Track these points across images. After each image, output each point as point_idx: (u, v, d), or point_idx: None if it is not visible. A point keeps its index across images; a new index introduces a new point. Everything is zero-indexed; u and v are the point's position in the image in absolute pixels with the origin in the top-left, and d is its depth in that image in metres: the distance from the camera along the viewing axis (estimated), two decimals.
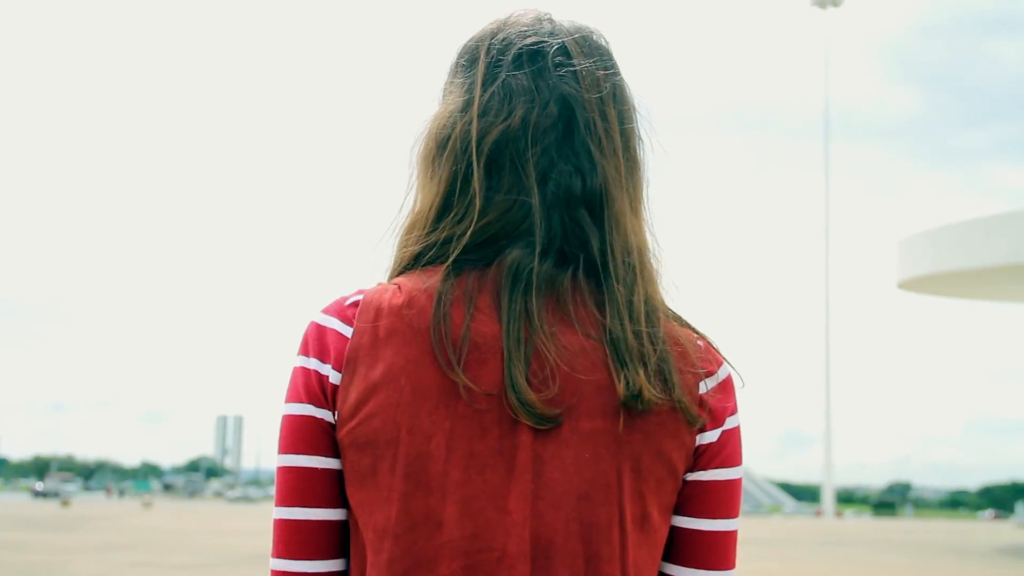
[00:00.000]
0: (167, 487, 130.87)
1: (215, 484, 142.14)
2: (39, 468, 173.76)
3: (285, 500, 1.11)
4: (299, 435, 1.11)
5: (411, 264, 1.17)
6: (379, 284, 1.16)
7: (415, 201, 1.20)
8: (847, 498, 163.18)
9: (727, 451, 1.14)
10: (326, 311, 1.14)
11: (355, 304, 1.13)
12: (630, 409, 1.07)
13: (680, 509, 1.14)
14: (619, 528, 1.07)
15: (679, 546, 1.15)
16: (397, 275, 1.18)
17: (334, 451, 1.10)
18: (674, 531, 1.15)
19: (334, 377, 1.10)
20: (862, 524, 65.40)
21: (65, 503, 64.84)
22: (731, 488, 1.16)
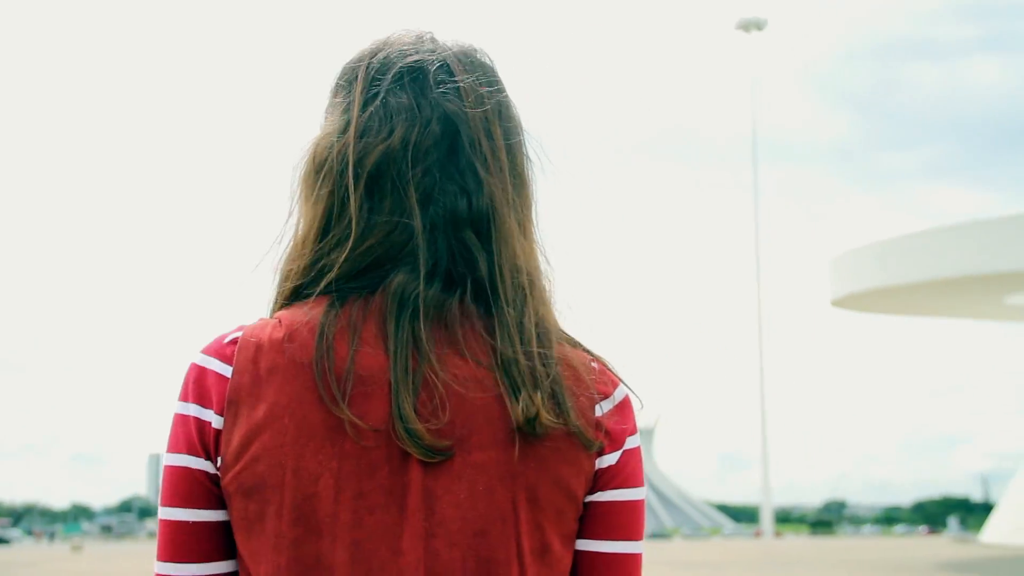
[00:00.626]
0: (105, 528, 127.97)
1: (149, 524, 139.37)
2: None
3: (165, 555, 1.08)
4: (178, 487, 1.07)
5: (293, 295, 1.14)
6: (260, 319, 1.12)
7: (296, 228, 1.16)
8: (784, 517, 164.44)
9: (627, 472, 1.12)
10: (205, 351, 1.10)
11: (234, 342, 1.08)
12: (525, 435, 1.04)
13: (581, 532, 1.11)
14: (518, 563, 1.04)
15: (583, 571, 1.12)
16: (280, 308, 1.14)
17: (215, 503, 1.07)
18: (577, 555, 1.11)
19: (216, 422, 1.06)
20: (801, 544, 65.73)
21: None
22: (633, 509, 1.13)
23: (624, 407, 1.13)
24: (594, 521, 1.11)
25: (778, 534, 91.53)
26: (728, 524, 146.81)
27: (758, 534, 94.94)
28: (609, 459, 1.10)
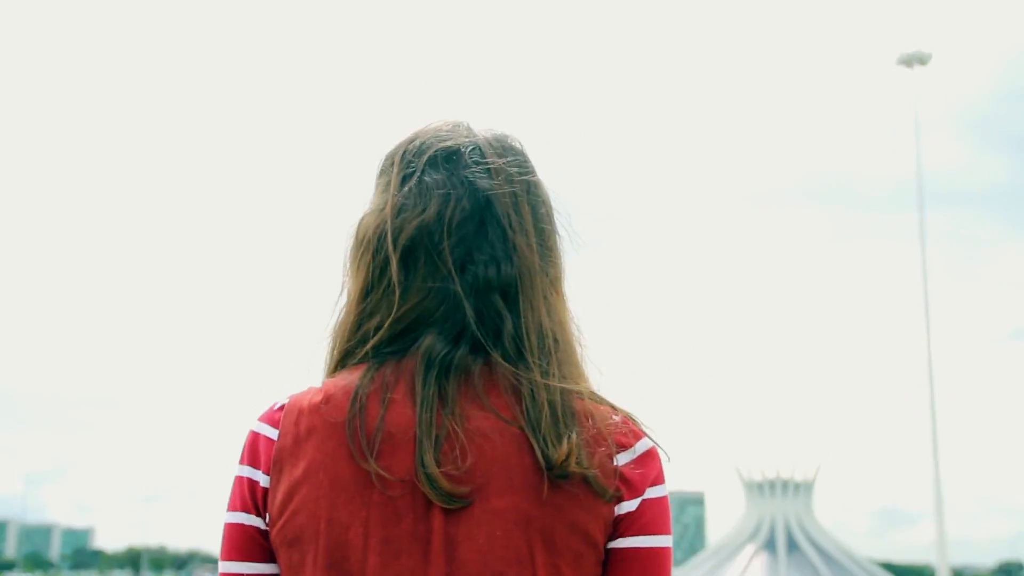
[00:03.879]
0: None
1: None
2: (132, 559, 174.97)
3: None
4: (234, 543, 1.20)
5: (341, 362, 1.26)
6: (308, 388, 1.24)
7: (344, 301, 1.29)
8: None
9: (647, 518, 1.18)
10: (260, 418, 1.23)
11: (282, 408, 1.22)
12: (543, 483, 1.13)
13: None
14: None
15: None
16: (330, 374, 1.27)
17: (266, 556, 1.19)
18: None
19: (264, 481, 1.19)
20: None
21: None
22: (655, 555, 1.18)
23: (647, 458, 1.20)
24: (615, 567, 1.17)
25: None
26: None
27: None
28: (628, 506, 1.17)
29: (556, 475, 1.12)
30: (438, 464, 1.11)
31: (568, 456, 1.12)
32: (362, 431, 1.14)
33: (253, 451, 1.21)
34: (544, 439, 1.13)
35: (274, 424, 1.20)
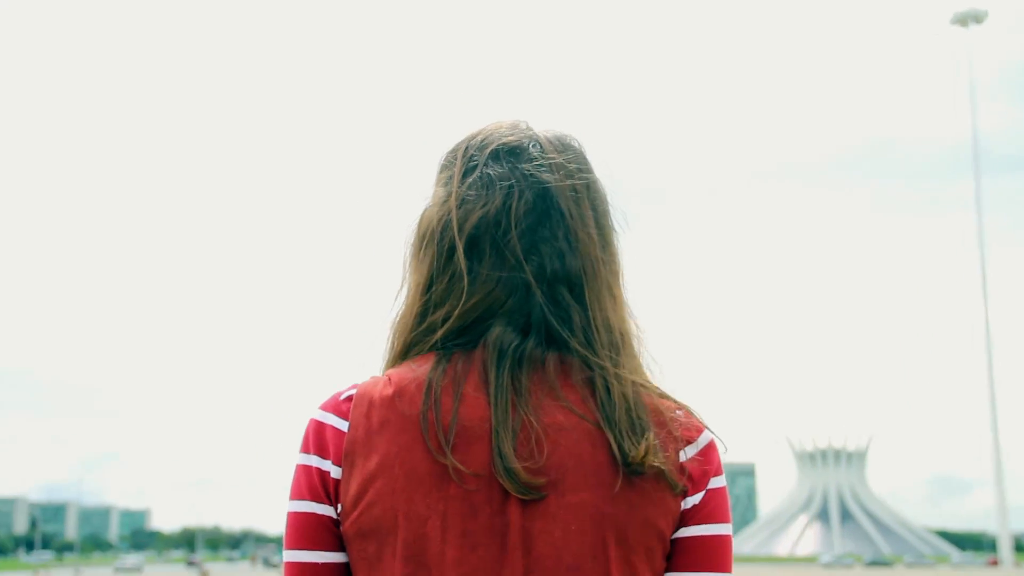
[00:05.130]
0: None
1: None
2: (188, 539, 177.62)
3: None
4: (302, 532, 1.19)
5: (403, 353, 1.27)
6: (372, 378, 1.24)
7: (406, 294, 1.30)
8: (1016, 546, 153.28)
9: (710, 508, 1.21)
10: (323, 407, 1.22)
11: (349, 399, 1.21)
12: (617, 480, 1.14)
13: (669, 566, 1.20)
14: None
15: None
16: (391, 365, 1.27)
17: (337, 545, 1.19)
18: None
19: (335, 472, 1.18)
20: None
21: (204, 574, 64.34)
22: (717, 543, 1.21)
23: (708, 451, 1.23)
24: (679, 555, 1.20)
25: (1020, 564, 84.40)
26: (954, 553, 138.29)
27: (993, 563, 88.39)
28: (693, 500, 1.20)
29: (633, 471, 1.14)
30: (515, 455, 1.12)
31: (646, 452, 1.14)
32: (438, 425, 1.14)
33: (320, 441, 1.20)
34: (620, 433, 1.15)
35: (341, 415, 1.20)
